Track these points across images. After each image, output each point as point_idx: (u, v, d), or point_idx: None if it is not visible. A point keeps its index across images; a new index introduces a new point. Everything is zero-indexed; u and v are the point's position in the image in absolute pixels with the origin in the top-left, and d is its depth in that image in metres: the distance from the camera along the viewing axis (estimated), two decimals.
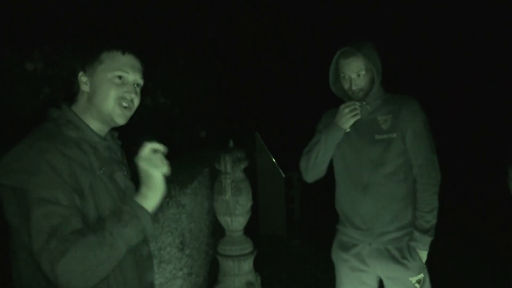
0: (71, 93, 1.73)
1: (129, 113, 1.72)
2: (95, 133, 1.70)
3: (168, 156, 1.64)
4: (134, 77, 1.72)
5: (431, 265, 2.68)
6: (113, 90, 1.67)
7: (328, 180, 2.84)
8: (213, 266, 4.30)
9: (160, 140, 1.66)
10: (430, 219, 2.55)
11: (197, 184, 3.96)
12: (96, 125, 1.71)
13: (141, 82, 1.75)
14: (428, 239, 2.56)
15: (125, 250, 1.50)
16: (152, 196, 1.57)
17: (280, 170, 6.46)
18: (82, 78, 1.69)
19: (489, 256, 5.17)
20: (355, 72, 2.54)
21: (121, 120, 1.70)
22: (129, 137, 1.90)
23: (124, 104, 1.69)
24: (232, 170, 3.62)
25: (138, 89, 1.75)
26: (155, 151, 1.60)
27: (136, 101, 1.74)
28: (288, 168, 6.70)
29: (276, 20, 9.25)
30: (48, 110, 1.69)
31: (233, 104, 7.72)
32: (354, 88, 2.57)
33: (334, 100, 2.77)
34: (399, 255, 2.58)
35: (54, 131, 1.59)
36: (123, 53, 1.70)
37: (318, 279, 4.85)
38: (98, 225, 1.49)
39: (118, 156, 1.85)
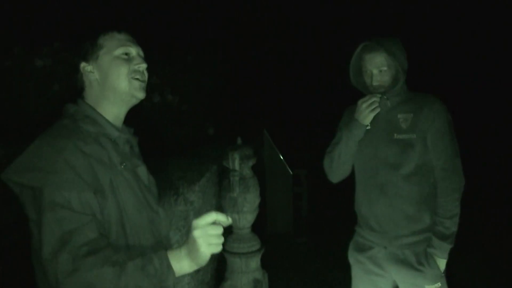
0: (77, 89, 1.70)
1: (144, 84, 1.69)
2: (114, 127, 1.65)
3: (176, 153, 1.61)
4: (137, 49, 1.70)
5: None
6: (123, 67, 1.64)
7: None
8: (221, 263, 4.31)
9: (168, 137, 1.62)
10: (450, 225, 2.46)
11: (205, 181, 3.96)
12: (113, 112, 1.66)
13: (142, 54, 1.72)
14: (447, 247, 2.47)
15: None
16: (189, 265, 1.44)
17: (288, 167, 6.45)
18: (87, 68, 1.65)
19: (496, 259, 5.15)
20: (377, 67, 2.46)
21: (140, 94, 1.67)
22: (137, 134, 1.86)
23: (138, 76, 1.66)
24: (240, 167, 3.62)
25: (144, 59, 1.72)
26: (215, 223, 1.46)
27: (146, 72, 1.72)
28: (296, 166, 6.70)
29: (285, 17, 9.23)
30: (64, 106, 1.65)
31: (241, 101, 7.72)
32: (374, 83, 2.49)
33: (344, 98, 2.74)
34: (416, 261, 2.50)
35: (72, 127, 1.55)
36: (119, 32, 1.69)
37: (325, 277, 4.84)
38: (119, 257, 1.39)
39: (136, 152, 1.79)
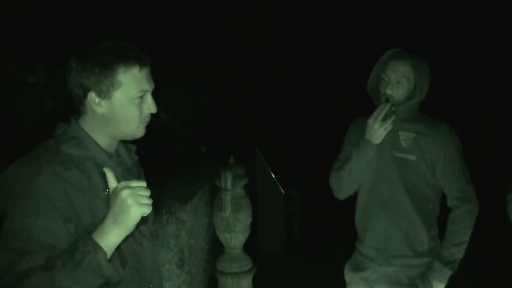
0: (75, 106, 1.57)
1: (147, 123, 1.61)
2: (103, 151, 1.56)
3: (169, 172, 1.56)
4: (151, 87, 1.59)
5: None
6: (136, 112, 1.54)
7: (329, 196, 2.78)
8: (212, 283, 4.27)
9: (160, 156, 1.58)
10: (455, 252, 2.43)
11: (197, 200, 3.94)
12: (106, 141, 1.58)
13: (153, 86, 1.61)
14: (447, 272, 2.44)
15: None
16: (117, 233, 1.35)
17: (280, 186, 6.43)
18: (95, 99, 1.50)
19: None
20: (397, 76, 2.38)
21: (142, 134, 1.60)
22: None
23: (147, 120, 1.59)
24: (232, 187, 3.61)
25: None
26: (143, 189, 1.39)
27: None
28: (288, 185, 6.68)
29: (278, 35, 9.30)
30: (56, 124, 1.56)
31: (234, 120, 7.73)
32: (388, 91, 2.38)
33: (337, 119, 2.72)
34: (409, 284, 2.48)
35: (53, 150, 1.48)
36: (141, 68, 1.53)
37: None
38: (51, 260, 1.31)
39: (134, 173, 1.70)
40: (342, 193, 2.60)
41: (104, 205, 1.48)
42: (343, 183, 2.53)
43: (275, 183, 6.41)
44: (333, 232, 6.32)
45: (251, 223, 3.74)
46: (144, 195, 1.37)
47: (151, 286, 1.67)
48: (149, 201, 1.37)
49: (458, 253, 2.44)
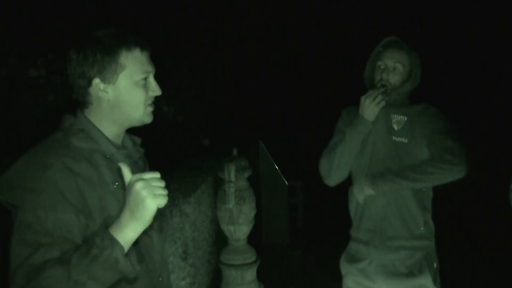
0: (79, 98, 1.57)
1: (153, 108, 1.62)
2: (111, 143, 1.56)
3: (172, 165, 1.55)
4: (154, 71, 1.60)
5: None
6: (141, 95, 1.55)
7: (331, 189, 2.77)
8: (216, 275, 4.28)
9: (163, 149, 1.56)
10: (408, 174, 2.38)
11: (201, 193, 3.94)
12: (114, 131, 1.58)
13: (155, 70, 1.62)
14: (386, 181, 2.42)
15: None
16: (134, 228, 1.34)
17: (284, 178, 6.43)
18: (100, 86, 1.51)
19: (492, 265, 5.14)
20: (393, 62, 2.46)
21: (149, 119, 1.61)
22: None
23: (151, 102, 1.60)
24: (235, 179, 3.60)
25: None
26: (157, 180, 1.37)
27: None
28: (291, 177, 6.67)
29: (282, 28, 9.26)
30: (62, 117, 1.56)
31: (237, 112, 7.71)
32: (384, 76, 2.46)
33: (340, 108, 2.71)
34: (406, 272, 2.49)
35: (62, 142, 1.47)
36: (142, 50, 1.55)
37: None
38: (66, 254, 1.30)
39: (140, 166, 1.70)
40: (333, 178, 2.59)
41: (113, 198, 1.49)
42: (334, 167, 2.53)
43: (279, 175, 6.40)
44: (336, 224, 6.32)
45: (254, 216, 3.73)
46: (158, 186, 1.35)
47: (160, 279, 1.68)
48: (165, 192, 1.36)
49: (409, 176, 2.38)
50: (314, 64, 9.49)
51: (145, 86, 1.56)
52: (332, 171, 2.55)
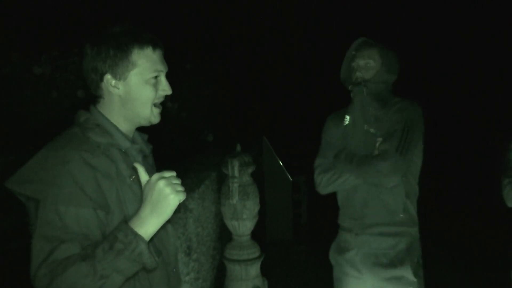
0: (91, 93, 1.61)
1: (161, 109, 1.64)
2: (126, 138, 1.60)
3: (176, 160, 1.58)
4: (166, 69, 1.63)
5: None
6: (151, 93, 1.57)
7: None
8: (220, 270, 4.29)
9: (167, 144, 1.58)
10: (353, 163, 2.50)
11: (204, 188, 3.95)
12: (125, 127, 1.61)
13: (167, 69, 1.65)
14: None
15: (123, 280, 1.38)
16: (154, 223, 1.42)
17: (287, 174, 6.43)
18: (111, 81, 1.54)
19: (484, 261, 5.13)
20: (364, 59, 2.52)
21: (157, 120, 1.63)
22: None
23: (160, 102, 1.63)
24: (239, 174, 3.61)
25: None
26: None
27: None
28: (295, 172, 6.68)
29: (284, 22, 9.25)
30: (76, 113, 1.58)
31: (241, 108, 7.72)
32: (358, 74, 2.53)
33: (342, 105, 2.73)
34: (388, 263, 2.53)
35: (80, 137, 1.49)
36: (154, 49, 1.57)
37: (325, 285, 4.81)
38: (87, 249, 1.35)
39: (150, 161, 1.75)
40: (327, 192, 2.70)
41: (130, 191, 1.52)
42: (334, 187, 2.65)
43: (282, 170, 6.41)
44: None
45: (258, 211, 3.74)
46: (178, 183, 1.45)
47: (174, 270, 1.73)
48: (183, 188, 1.45)
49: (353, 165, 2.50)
50: (318, 61, 9.48)
51: (155, 85, 1.59)
52: (329, 189, 2.67)
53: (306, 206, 7.00)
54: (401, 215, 2.52)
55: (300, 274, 5.21)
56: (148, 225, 1.40)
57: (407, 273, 2.52)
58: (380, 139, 2.48)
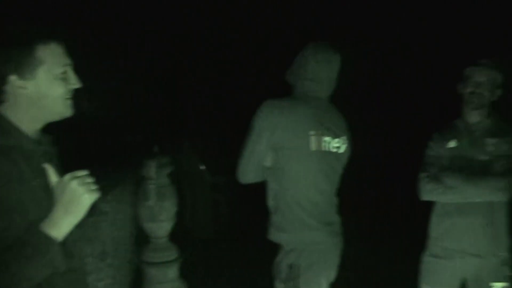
0: None
1: (71, 101, 1.59)
2: (30, 139, 1.53)
3: (92, 162, 1.55)
4: (72, 63, 1.58)
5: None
6: (62, 88, 1.53)
7: (256, 184, 2.80)
8: (138, 274, 4.21)
9: (83, 145, 1.54)
10: None
11: (121, 190, 3.86)
12: (31, 127, 1.54)
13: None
14: None
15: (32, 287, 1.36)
16: (68, 223, 1.41)
17: (207, 174, 6.44)
18: (17, 83, 1.46)
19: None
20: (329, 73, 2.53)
21: (70, 112, 1.58)
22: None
23: (70, 95, 1.57)
24: (156, 176, 3.56)
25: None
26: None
27: None
28: (215, 172, 6.69)
29: (210, 23, 9.21)
30: None
31: (160, 109, 7.63)
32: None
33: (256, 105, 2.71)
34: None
35: None
36: (59, 43, 1.52)
37: (248, 282, 4.85)
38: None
39: (56, 162, 1.67)
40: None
41: (33, 195, 1.46)
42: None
43: (202, 170, 6.41)
44: (260, 217, 6.38)
45: (176, 212, 3.70)
46: (91, 182, 1.45)
47: (80, 275, 1.69)
48: (96, 187, 1.46)
49: None
50: (232, 63, 9.51)
51: (65, 80, 1.54)
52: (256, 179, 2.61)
53: (226, 205, 7.03)
54: (333, 215, 2.60)
55: (222, 273, 5.22)
56: (62, 226, 1.39)
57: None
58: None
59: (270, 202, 2.56)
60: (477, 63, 2.75)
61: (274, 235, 2.55)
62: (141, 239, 4.37)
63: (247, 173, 2.55)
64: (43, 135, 1.66)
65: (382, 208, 7.22)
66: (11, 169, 1.42)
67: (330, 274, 2.57)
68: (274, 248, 2.75)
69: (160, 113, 7.60)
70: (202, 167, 6.38)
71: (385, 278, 4.87)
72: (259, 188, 2.76)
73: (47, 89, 1.50)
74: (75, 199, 1.40)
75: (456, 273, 2.82)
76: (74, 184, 1.40)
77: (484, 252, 2.72)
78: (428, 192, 2.77)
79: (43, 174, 1.50)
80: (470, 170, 2.70)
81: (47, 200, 1.49)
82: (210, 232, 6.49)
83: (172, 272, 3.66)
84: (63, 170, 1.69)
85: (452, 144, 2.82)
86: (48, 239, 1.36)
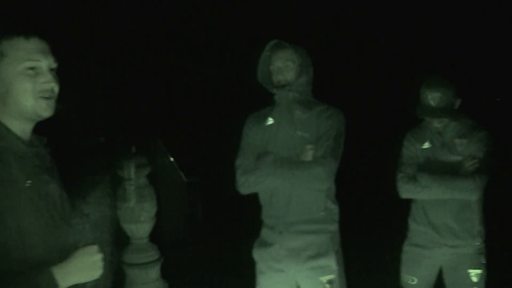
0: None
1: (52, 103, 1.53)
2: (21, 141, 1.51)
3: (68, 164, 1.54)
4: (48, 62, 1.51)
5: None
6: (28, 84, 1.47)
7: (230, 184, 2.85)
8: (119, 276, 4.18)
9: (58, 147, 1.54)
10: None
11: (99, 192, 3.83)
12: (18, 126, 1.51)
13: (55, 65, 1.55)
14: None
15: None
16: (73, 281, 1.51)
17: (182, 175, 6.42)
18: None
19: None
20: (282, 61, 2.61)
21: (47, 113, 1.52)
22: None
23: (46, 95, 1.50)
24: (135, 176, 3.55)
25: (54, 74, 1.54)
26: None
27: (57, 89, 1.54)
28: (190, 173, 6.68)
29: (173, 22, 9.18)
30: None
31: (134, 109, 7.57)
32: (279, 77, 2.62)
33: (239, 105, 2.78)
34: (313, 254, 2.62)
35: None
36: (27, 38, 1.48)
37: (224, 282, 4.87)
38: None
39: (48, 164, 1.65)
40: (249, 192, 2.74)
41: (25, 198, 1.44)
42: (259, 189, 2.70)
43: (176, 171, 6.38)
44: (236, 218, 6.42)
45: (156, 213, 3.70)
46: (99, 261, 1.60)
47: None
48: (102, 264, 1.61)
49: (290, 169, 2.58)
50: (214, 58, 9.51)
51: (34, 76, 1.48)
52: (253, 190, 2.71)
53: (201, 206, 7.02)
54: (322, 213, 2.63)
55: (199, 274, 5.22)
56: (69, 280, 1.47)
57: (330, 261, 2.63)
58: (310, 146, 2.57)
59: None
60: (427, 84, 2.89)
61: None
62: (121, 241, 4.35)
63: None
64: (36, 136, 1.64)
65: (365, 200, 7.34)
66: (2, 171, 1.41)
67: None
68: (249, 249, 2.82)
69: (135, 114, 7.55)
70: (177, 167, 6.36)
71: (368, 268, 4.96)
72: (235, 189, 2.80)
73: (11, 83, 1.46)
74: (92, 270, 1.55)
75: (434, 262, 2.97)
76: (98, 258, 1.58)
77: (461, 243, 2.85)
78: (406, 191, 2.92)
79: (36, 176, 1.49)
80: (444, 170, 2.83)
81: (41, 202, 1.49)
82: (186, 232, 6.48)
83: (154, 272, 3.65)
84: (57, 171, 1.70)
85: (425, 145, 2.96)
86: (52, 281, 1.42)
